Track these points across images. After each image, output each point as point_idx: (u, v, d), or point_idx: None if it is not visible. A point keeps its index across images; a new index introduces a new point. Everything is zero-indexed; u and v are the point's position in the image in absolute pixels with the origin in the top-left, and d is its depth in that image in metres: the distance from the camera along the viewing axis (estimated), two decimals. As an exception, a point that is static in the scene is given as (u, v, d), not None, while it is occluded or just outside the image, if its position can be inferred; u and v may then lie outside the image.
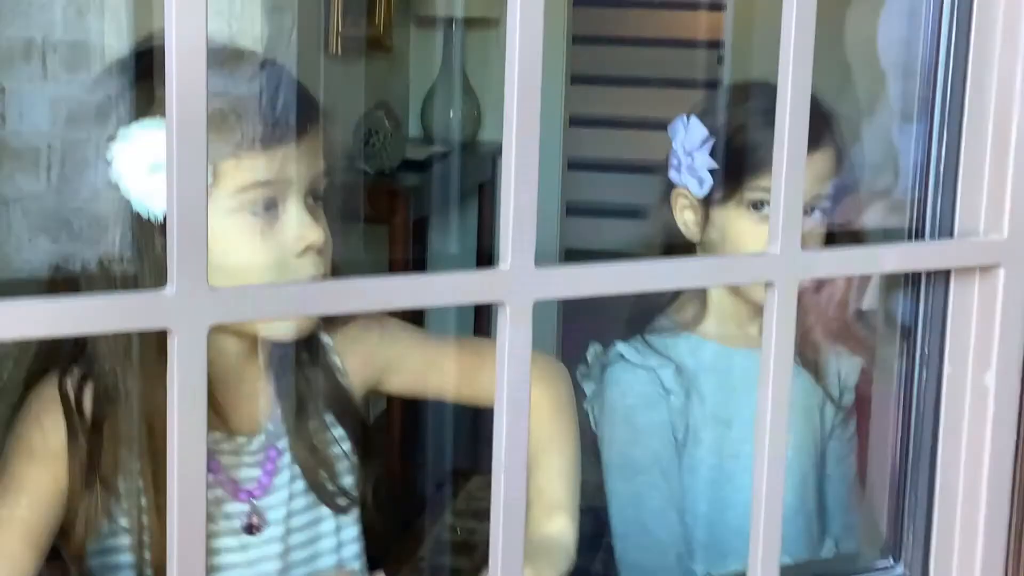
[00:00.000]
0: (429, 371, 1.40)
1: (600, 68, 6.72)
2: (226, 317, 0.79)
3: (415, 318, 1.52)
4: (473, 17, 4.27)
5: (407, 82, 4.40)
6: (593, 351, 1.68)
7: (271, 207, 1.21)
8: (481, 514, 3.31)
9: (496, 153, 4.21)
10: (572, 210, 5.12)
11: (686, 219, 1.62)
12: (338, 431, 1.35)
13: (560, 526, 1.31)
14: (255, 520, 1.27)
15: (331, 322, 1.35)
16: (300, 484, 1.31)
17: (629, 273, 0.93)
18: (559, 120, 4.35)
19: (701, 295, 1.64)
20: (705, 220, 1.60)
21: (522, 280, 0.86)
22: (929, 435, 1.09)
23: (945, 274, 1.07)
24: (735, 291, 1.62)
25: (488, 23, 4.30)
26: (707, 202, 1.59)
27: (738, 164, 1.56)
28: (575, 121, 5.05)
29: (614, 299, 0.93)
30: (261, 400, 1.30)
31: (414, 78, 4.40)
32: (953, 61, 1.04)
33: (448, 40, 4.24)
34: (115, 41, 2.33)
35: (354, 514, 1.35)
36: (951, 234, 1.05)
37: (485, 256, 4.25)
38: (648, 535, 1.62)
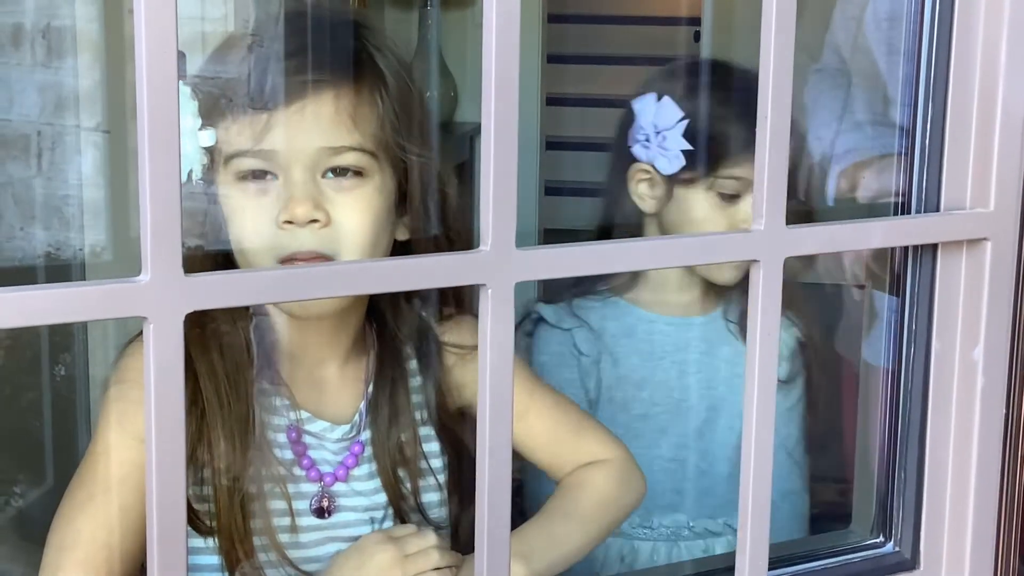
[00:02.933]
0: (525, 422, 1.30)
1: (576, 47, 6.70)
2: (202, 304, 0.77)
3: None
4: (448, -3, 4.25)
5: (383, 63, 4.37)
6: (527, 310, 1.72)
7: (260, 177, 1.14)
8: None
9: (473, 133, 4.19)
10: (551, 190, 5.10)
11: (641, 192, 1.64)
12: (431, 446, 1.28)
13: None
14: (326, 504, 1.23)
15: (451, 328, 1.29)
16: (377, 483, 1.26)
17: (610, 253, 0.92)
18: (536, 100, 4.33)
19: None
20: (667, 196, 1.61)
21: (503, 262, 0.85)
22: (918, 412, 1.09)
23: (932, 249, 1.06)
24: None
25: (463, 3, 4.28)
26: (670, 179, 1.60)
27: (712, 151, 1.57)
28: (552, 100, 5.03)
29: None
30: (354, 390, 1.26)
31: (390, 59, 4.38)
32: (937, 36, 1.03)
33: (423, 20, 4.22)
34: (105, 27, 2.30)
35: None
36: (937, 208, 1.04)
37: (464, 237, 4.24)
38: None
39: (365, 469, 1.25)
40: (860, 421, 1.27)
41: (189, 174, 1.12)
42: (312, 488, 1.23)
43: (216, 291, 0.78)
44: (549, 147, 4.93)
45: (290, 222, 1.12)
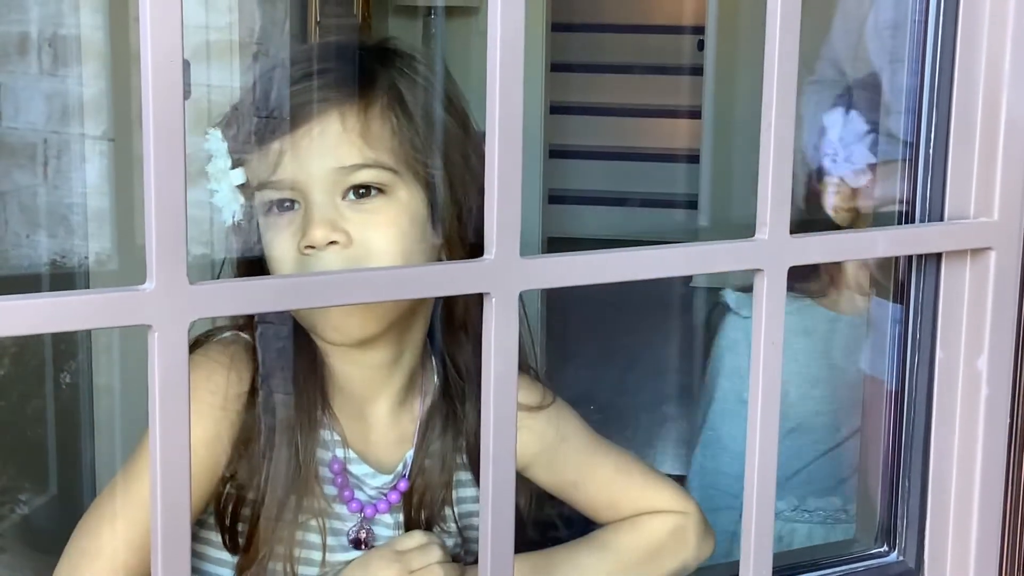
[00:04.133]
0: (576, 472, 1.28)
1: (579, 55, 6.71)
2: (206, 312, 0.77)
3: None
4: (452, 6, 4.25)
5: (387, 72, 4.38)
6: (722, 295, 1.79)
7: (286, 208, 1.13)
8: None
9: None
10: (554, 198, 5.11)
11: (836, 204, 1.65)
12: (467, 491, 1.26)
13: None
14: (363, 535, 1.21)
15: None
16: (400, 520, 1.24)
17: (614, 262, 0.92)
18: (539, 108, 4.34)
19: (835, 271, 1.70)
20: (858, 209, 1.63)
21: (508, 270, 0.85)
22: (922, 421, 1.09)
23: (936, 258, 1.06)
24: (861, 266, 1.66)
25: (467, 12, 4.28)
26: (861, 192, 1.63)
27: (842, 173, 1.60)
28: (555, 109, 5.04)
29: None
30: (402, 434, 1.23)
31: (394, 68, 4.38)
32: (941, 46, 1.04)
33: (427, 29, 4.22)
34: (110, 35, 2.31)
35: None
36: (941, 218, 1.04)
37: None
38: (696, 461, 1.79)
39: (391, 518, 1.23)
40: (864, 430, 1.27)
41: (233, 216, 1.12)
42: (351, 522, 1.21)
43: (221, 299, 0.78)
44: (552, 155, 4.94)
45: (312, 247, 1.11)
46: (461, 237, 1.17)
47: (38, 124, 2.40)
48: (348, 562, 1.18)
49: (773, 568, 0.98)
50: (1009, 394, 1.05)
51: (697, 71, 5.77)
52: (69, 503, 2.25)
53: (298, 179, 1.12)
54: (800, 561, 1.13)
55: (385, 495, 1.21)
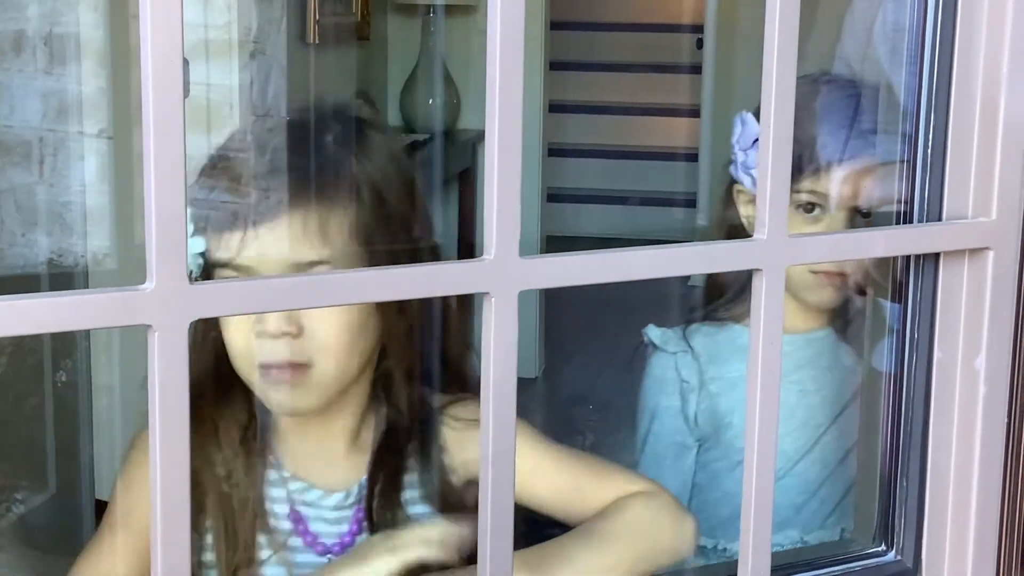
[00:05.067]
0: (537, 479, 1.28)
1: (578, 54, 6.71)
2: (206, 312, 0.77)
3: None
4: (452, 4, 4.25)
5: (386, 70, 4.38)
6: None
7: None
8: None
9: (476, 140, 4.19)
10: (552, 197, 5.11)
11: (747, 213, 1.62)
12: (420, 505, 1.29)
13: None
14: None
15: (454, 406, 1.31)
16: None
17: (614, 262, 0.92)
18: (538, 106, 4.34)
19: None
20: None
21: (507, 270, 0.85)
22: (920, 420, 1.09)
23: (934, 258, 1.06)
24: (800, 287, 1.60)
25: (467, 10, 4.28)
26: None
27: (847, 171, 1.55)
28: (554, 107, 5.04)
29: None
30: (355, 462, 1.27)
31: (393, 66, 4.38)
32: (940, 46, 1.04)
33: (426, 27, 4.22)
34: (105, 33, 2.31)
35: None
36: (940, 218, 1.04)
37: (467, 243, 4.24)
38: None
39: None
40: (861, 429, 1.27)
41: (190, 274, 1.15)
42: (319, 560, 1.24)
43: (221, 299, 0.78)
44: (551, 154, 4.93)
45: (263, 333, 1.17)
46: (404, 328, 1.25)
47: (34, 122, 2.40)
48: None
49: (771, 567, 0.98)
50: (1006, 393, 1.05)
51: (696, 69, 5.77)
52: (68, 502, 2.25)
53: (256, 268, 1.18)
54: (798, 560, 1.13)
55: (351, 517, 1.25)
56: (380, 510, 1.25)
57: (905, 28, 1.07)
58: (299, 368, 1.17)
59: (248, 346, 1.18)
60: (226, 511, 1.21)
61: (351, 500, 1.26)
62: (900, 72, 1.09)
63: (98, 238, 2.35)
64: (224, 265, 1.18)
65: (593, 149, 6.71)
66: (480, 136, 4.16)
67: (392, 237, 1.24)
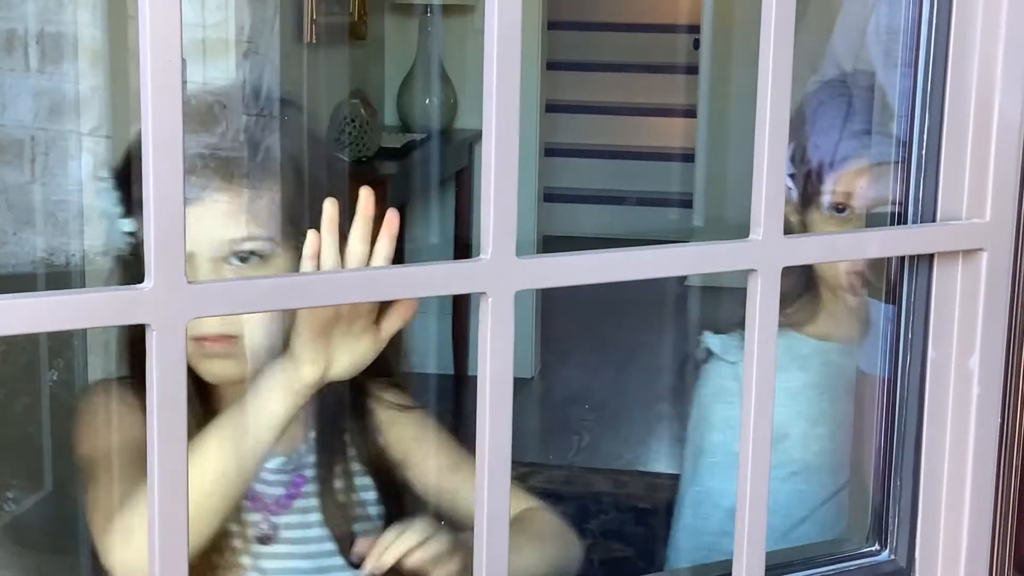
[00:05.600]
0: (440, 478, 1.38)
1: (575, 54, 6.71)
2: (204, 312, 0.78)
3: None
4: (449, 4, 4.25)
5: (383, 70, 4.38)
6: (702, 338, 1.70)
7: None
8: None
9: (473, 140, 4.20)
10: (549, 197, 5.12)
11: (792, 222, 1.61)
12: (364, 480, 1.36)
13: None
14: (268, 532, 1.31)
15: (389, 389, 1.38)
16: (317, 516, 1.34)
17: (611, 262, 0.92)
18: (535, 106, 4.34)
19: (818, 296, 1.62)
20: (803, 224, 1.59)
21: (504, 270, 0.85)
22: (914, 420, 1.09)
23: (928, 259, 1.06)
24: (832, 290, 1.60)
25: (464, 10, 4.28)
26: (802, 206, 1.58)
27: (813, 169, 1.55)
28: (551, 107, 5.04)
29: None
30: (295, 431, 1.31)
31: (390, 66, 4.38)
32: (934, 47, 1.04)
33: (424, 27, 4.23)
34: (97, 32, 2.31)
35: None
36: (934, 219, 1.05)
37: (463, 243, 4.24)
38: (682, 520, 1.68)
39: (312, 503, 1.33)
40: (856, 429, 1.28)
41: (116, 255, 1.32)
42: (255, 517, 1.30)
43: (219, 299, 0.79)
44: (548, 154, 4.94)
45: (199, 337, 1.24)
46: None
47: (26, 120, 2.40)
48: (263, 565, 1.30)
49: (765, 567, 0.99)
50: (1000, 393, 1.06)
51: (693, 70, 5.77)
52: (63, 500, 2.25)
53: (188, 243, 1.22)
54: (792, 560, 1.14)
55: (291, 481, 1.32)
56: (326, 476, 1.33)
57: (899, 29, 1.07)
58: (230, 339, 1.25)
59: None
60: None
61: (291, 465, 1.33)
62: (893, 73, 1.09)
63: (91, 237, 2.35)
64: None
65: (590, 149, 6.72)
66: (477, 136, 4.16)
67: (317, 215, 1.27)
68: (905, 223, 1.07)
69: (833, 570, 1.12)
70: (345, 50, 3.93)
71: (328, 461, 1.34)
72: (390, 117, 4.32)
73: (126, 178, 1.29)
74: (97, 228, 2.31)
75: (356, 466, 1.36)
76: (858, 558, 1.13)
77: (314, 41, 3.52)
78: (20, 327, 0.74)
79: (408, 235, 4.34)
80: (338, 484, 1.34)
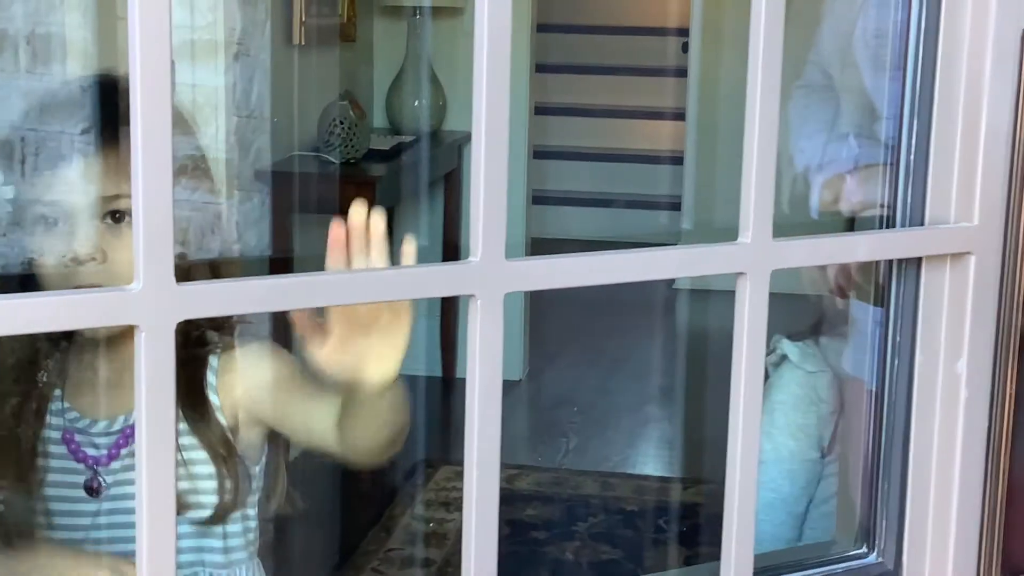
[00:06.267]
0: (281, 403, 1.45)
1: (564, 56, 6.72)
2: (192, 313, 0.78)
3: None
4: (438, 6, 4.25)
5: (372, 72, 4.38)
6: (774, 342, 1.69)
7: (51, 224, 1.38)
8: (450, 504, 3.31)
9: (462, 142, 4.20)
10: (538, 199, 5.12)
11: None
12: (187, 439, 1.42)
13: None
14: (96, 484, 1.42)
15: (217, 341, 1.45)
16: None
17: (599, 265, 0.92)
18: (524, 109, 4.34)
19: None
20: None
21: (493, 273, 0.85)
22: (902, 424, 1.09)
23: (916, 262, 1.07)
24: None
25: (453, 12, 4.28)
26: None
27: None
28: (540, 110, 5.04)
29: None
30: (119, 391, 1.42)
31: (379, 67, 4.38)
32: (923, 52, 1.04)
33: (413, 29, 4.23)
34: (90, 34, 2.30)
35: (204, 525, 1.44)
36: (922, 222, 1.05)
37: (452, 245, 4.24)
38: (772, 525, 1.66)
39: (132, 461, 1.38)
40: (843, 432, 1.28)
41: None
42: (83, 469, 1.42)
43: (208, 300, 0.79)
44: (537, 156, 4.95)
45: (75, 259, 1.34)
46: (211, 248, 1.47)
47: (16, 121, 2.39)
48: (89, 510, 1.41)
49: (754, 569, 0.99)
50: (988, 397, 1.06)
51: (682, 73, 5.78)
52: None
53: (65, 203, 1.37)
54: (781, 562, 1.14)
55: (117, 439, 1.42)
56: None
57: (884, 34, 1.07)
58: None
59: (60, 277, 1.36)
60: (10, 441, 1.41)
61: (115, 428, 1.42)
62: (880, 77, 1.10)
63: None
64: (37, 204, 1.38)
65: (579, 152, 6.72)
66: (466, 138, 4.16)
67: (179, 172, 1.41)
68: (894, 226, 1.07)
69: (821, 572, 1.12)
70: (334, 52, 3.93)
71: None
72: (379, 119, 4.32)
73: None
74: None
75: (182, 426, 1.42)
76: (846, 561, 1.13)
77: (303, 43, 3.52)
78: (9, 328, 0.74)
79: (397, 237, 4.34)
80: None
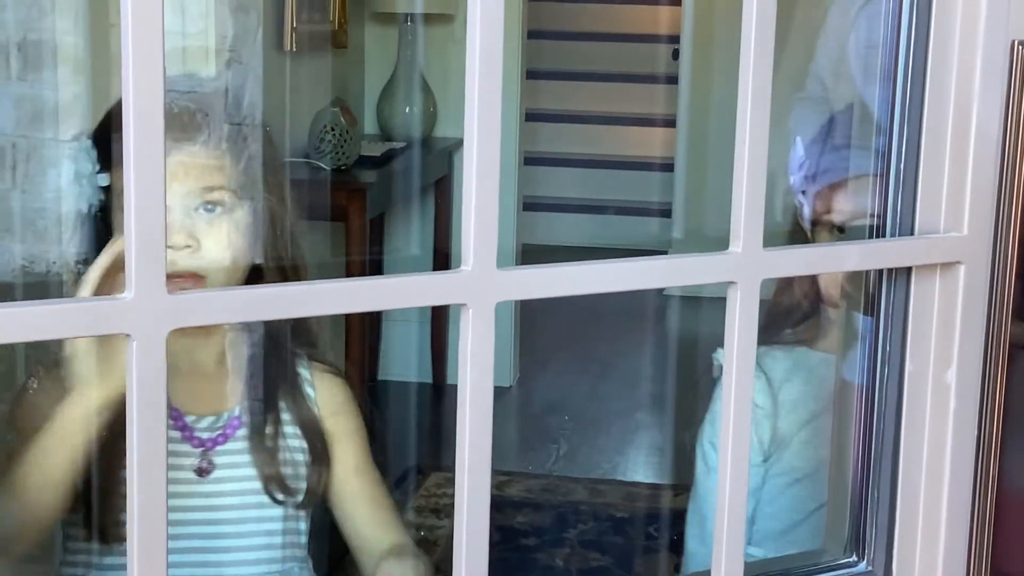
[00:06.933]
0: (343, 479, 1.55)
1: (555, 63, 6.72)
2: (184, 322, 0.78)
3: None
4: (430, 13, 4.25)
5: (363, 78, 4.38)
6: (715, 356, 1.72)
7: None
8: (441, 511, 3.31)
9: (453, 149, 4.20)
10: (528, 206, 5.12)
11: (805, 238, 1.63)
12: (292, 428, 1.53)
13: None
14: (205, 465, 1.48)
15: (312, 356, 1.57)
16: (247, 457, 1.50)
17: (590, 274, 0.93)
18: (515, 116, 4.35)
19: (822, 313, 1.65)
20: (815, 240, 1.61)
21: (484, 282, 0.86)
22: (891, 432, 1.10)
23: (906, 272, 1.07)
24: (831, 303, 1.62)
25: (445, 19, 4.29)
26: (811, 223, 1.61)
27: (815, 186, 1.57)
28: (531, 116, 5.05)
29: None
30: (219, 385, 1.50)
31: (370, 74, 4.38)
32: (913, 63, 1.05)
33: (404, 36, 4.23)
34: (82, 41, 2.30)
35: (295, 508, 1.53)
36: (912, 232, 1.05)
37: (442, 252, 4.24)
38: (708, 533, 1.67)
39: (242, 445, 1.50)
40: (834, 440, 1.28)
41: (90, 207, 1.46)
42: (195, 451, 1.48)
43: (199, 309, 0.79)
44: (527, 163, 4.95)
45: (170, 247, 1.28)
46: (278, 249, 1.51)
47: (7, 128, 2.39)
48: (199, 491, 1.47)
49: (744, 577, 0.99)
50: (977, 406, 1.06)
51: (672, 80, 5.79)
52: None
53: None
54: (770, 571, 1.14)
55: (223, 430, 1.49)
56: (257, 423, 1.50)
57: (878, 44, 1.08)
58: (198, 279, 1.41)
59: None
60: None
61: (219, 423, 1.49)
62: (873, 88, 1.10)
63: (71, 245, 2.34)
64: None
65: (569, 158, 6.72)
66: (456, 144, 4.16)
67: (268, 185, 1.50)
68: (884, 236, 1.08)
69: (811, 581, 1.13)
70: (326, 58, 3.93)
71: (260, 412, 1.51)
72: (370, 125, 4.32)
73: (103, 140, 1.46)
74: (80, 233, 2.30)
75: (286, 416, 1.52)
76: (836, 569, 1.14)
77: (295, 49, 3.52)
78: (3, 336, 0.74)
79: (387, 244, 4.34)
80: (268, 431, 1.50)
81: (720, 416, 1.68)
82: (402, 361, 4.30)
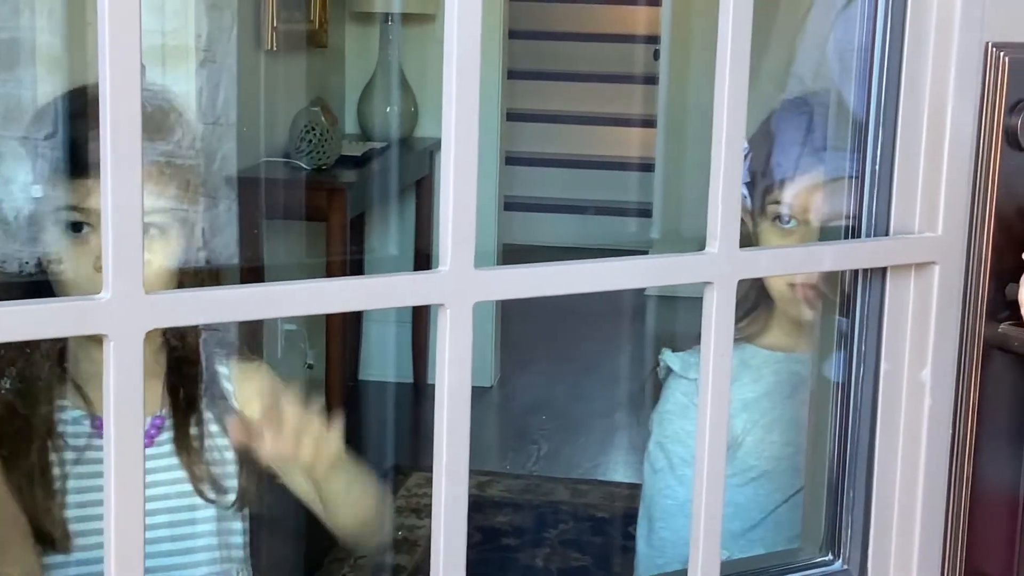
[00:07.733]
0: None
1: (536, 63, 6.73)
2: (162, 322, 0.78)
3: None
4: (409, 12, 4.25)
5: (343, 78, 4.38)
6: (660, 357, 1.73)
7: (79, 228, 1.42)
8: (420, 511, 3.31)
9: (433, 148, 4.20)
10: (509, 205, 5.13)
11: (748, 231, 1.64)
12: (217, 427, 1.54)
13: None
14: None
15: (227, 354, 1.57)
16: (174, 459, 1.51)
17: (568, 274, 0.93)
18: (496, 115, 4.35)
19: (768, 308, 1.65)
20: (754, 234, 1.62)
21: (462, 282, 0.86)
22: (866, 431, 1.10)
23: (881, 272, 1.07)
24: (782, 303, 1.63)
25: (424, 19, 4.29)
26: (752, 212, 1.61)
27: (761, 178, 1.58)
28: (512, 116, 5.05)
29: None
30: (152, 390, 1.49)
31: (350, 74, 4.38)
32: (888, 62, 1.05)
33: (384, 35, 4.23)
34: (55, 39, 2.30)
35: (229, 509, 1.55)
36: (887, 232, 1.06)
37: (423, 252, 4.24)
38: (655, 534, 1.71)
39: (167, 448, 1.51)
40: (809, 439, 1.29)
41: (17, 216, 1.50)
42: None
43: (177, 309, 0.79)
44: (508, 162, 4.95)
45: (98, 267, 1.35)
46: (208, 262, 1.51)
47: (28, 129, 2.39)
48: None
49: (720, 576, 0.99)
50: (951, 405, 1.07)
51: (652, 80, 5.80)
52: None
53: (98, 211, 1.38)
54: (746, 570, 1.15)
55: (152, 421, 1.49)
56: (181, 423, 1.51)
57: (855, 45, 1.08)
58: None
59: (88, 281, 1.39)
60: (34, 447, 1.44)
61: (148, 421, 1.47)
62: (850, 88, 1.11)
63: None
64: (72, 209, 1.42)
65: (550, 158, 6.73)
66: (437, 144, 4.17)
67: (194, 198, 1.49)
68: (859, 236, 1.08)
69: (787, 580, 1.13)
70: (305, 58, 3.92)
71: (182, 413, 1.52)
72: (350, 125, 4.32)
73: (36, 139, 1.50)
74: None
75: (209, 415, 1.53)
76: (811, 568, 1.14)
77: (274, 48, 3.52)
78: (-24, 337, 0.74)
79: (367, 244, 4.34)
80: (193, 431, 1.52)
81: (666, 416, 1.71)
82: (383, 361, 4.31)
